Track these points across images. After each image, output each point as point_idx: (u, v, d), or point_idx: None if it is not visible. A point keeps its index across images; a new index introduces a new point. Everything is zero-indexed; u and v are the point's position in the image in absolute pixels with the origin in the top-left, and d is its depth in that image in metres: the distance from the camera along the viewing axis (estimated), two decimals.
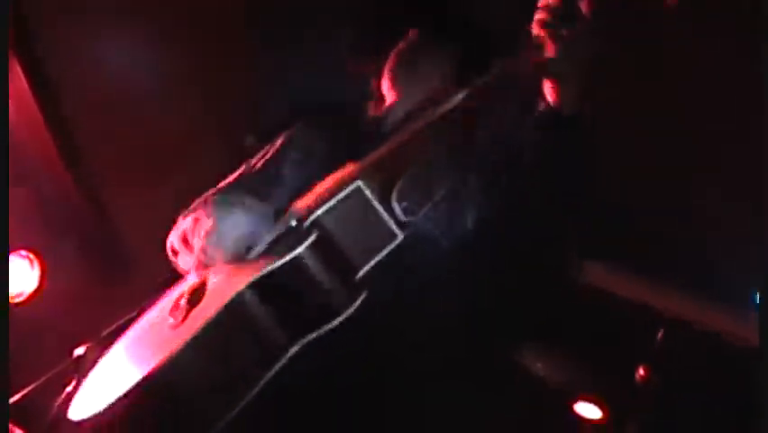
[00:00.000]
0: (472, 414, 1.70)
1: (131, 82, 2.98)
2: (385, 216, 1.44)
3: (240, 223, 1.52)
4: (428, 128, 1.49)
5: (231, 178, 1.83)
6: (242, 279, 1.40)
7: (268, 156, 1.83)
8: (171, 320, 1.51)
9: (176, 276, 1.74)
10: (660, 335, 2.49)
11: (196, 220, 1.62)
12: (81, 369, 1.69)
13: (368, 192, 1.44)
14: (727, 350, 2.65)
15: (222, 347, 1.37)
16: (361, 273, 1.43)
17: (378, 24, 1.93)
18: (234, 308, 1.36)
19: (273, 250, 1.48)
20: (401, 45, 1.82)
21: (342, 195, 1.44)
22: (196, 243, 1.55)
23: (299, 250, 1.36)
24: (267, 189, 1.71)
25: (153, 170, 3.08)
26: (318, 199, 1.49)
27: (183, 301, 1.53)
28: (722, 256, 2.69)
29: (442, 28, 1.82)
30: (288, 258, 1.36)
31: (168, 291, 1.74)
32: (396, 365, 1.58)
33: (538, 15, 1.49)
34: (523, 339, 1.68)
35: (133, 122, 2.99)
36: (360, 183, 1.44)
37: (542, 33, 1.47)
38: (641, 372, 2.49)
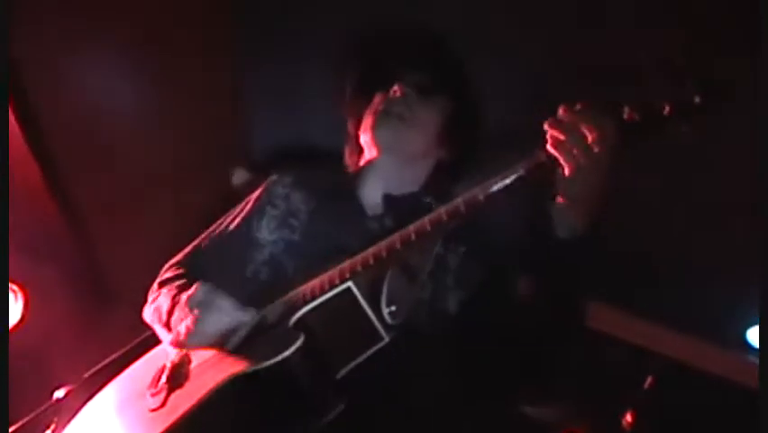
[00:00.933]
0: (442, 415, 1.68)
1: (115, 112, 2.95)
2: (373, 318, 1.43)
3: (221, 322, 1.49)
4: (421, 236, 1.44)
5: (206, 238, 1.82)
6: (225, 371, 1.39)
7: (245, 211, 1.82)
8: (151, 401, 1.49)
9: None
10: (649, 380, 2.46)
11: (175, 303, 1.60)
12: (60, 413, 1.64)
13: (358, 294, 1.42)
14: (720, 393, 2.63)
15: None
16: (342, 372, 1.43)
17: (365, 70, 1.89)
18: (215, 400, 1.36)
19: (256, 342, 1.47)
20: (388, 96, 1.76)
21: (331, 294, 1.43)
22: (176, 330, 1.53)
23: (287, 353, 1.34)
24: (243, 257, 1.71)
25: (138, 200, 3.04)
26: (304, 294, 1.48)
27: (164, 379, 1.51)
28: (714, 296, 2.68)
29: (430, 81, 1.75)
30: (275, 360, 1.34)
31: (150, 353, 1.72)
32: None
33: (551, 131, 1.36)
34: (515, 387, 1.65)
35: (118, 152, 2.96)
36: (350, 284, 1.43)
37: (556, 152, 1.35)
38: (628, 418, 2.46)
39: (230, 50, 3.32)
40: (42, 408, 1.74)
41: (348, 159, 1.89)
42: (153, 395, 1.51)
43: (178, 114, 3.19)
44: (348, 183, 1.80)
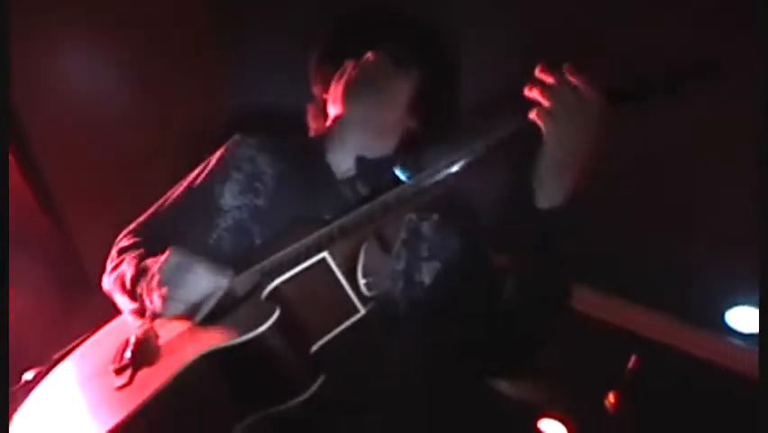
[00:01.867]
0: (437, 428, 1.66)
1: (93, 101, 2.92)
2: (349, 290, 1.40)
3: (198, 286, 1.43)
4: (403, 204, 1.40)
5: (164, 203, 1.76)
6: (197, 346, 1.35)
7: (205, 174, 1.75)
8: (116, 378, 1.43)
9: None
10: (632, 361, 2.45)
11: (140, 271, 1.53)
12: (30, 394, 1.61)
13: (333, 265, 1.40)
14: (700, 374, 2.64)
15: (171, 418, 1.33)
16: (317, 345, 1.39)
17: (338, 34, 1.83)
18: (188, 376, 1.32)
19: (228, 314, 1.43)
20: (359, 62, 1.69)
21: (306, 264, 1.40)
22: (148, 299, 1.47)
23: (263, 328, 1.31)
24: (205, 222, 1.65)
25: (115, 190, 3.01)
26: (279, 264, 1.43)
27: (128, 354, 1.46)
28: (695, 279, 2.67)
29: (405, 51, 1.69)
30: (251, 335, 1.30)
31: (108, 325, 1.67)
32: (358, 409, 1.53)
33: (532, 93, 1.32)
34: (489, 364, 1.61)
35: (96, 141, 2.93)
36: (326, 255, 1.39)
37: (537, 116, 1.31)
38: (611, 398, 2.46)
39: (215, 33, 3.30)
40: (11, 390, 1.71)
41: (312, 122, 1.84)
42: (118, 372, 1.44)
43: (159, 100, 3.16)
44: (315, 146, 1.72)
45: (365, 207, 1.42)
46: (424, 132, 1.71)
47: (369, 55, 1.67)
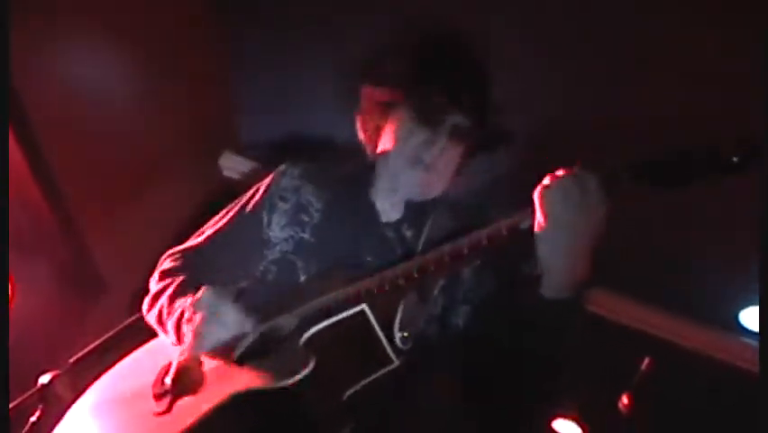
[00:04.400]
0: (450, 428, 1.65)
1: (102, 102, 2.91)
2: (385, 343, 1.37)
3: (224, 329, 1.43)
4: (440, 264, 1.39)
5: (212, 229, 1.73)
6: (234, 384, 1.36)
7: (253, 203, 1.70)
8: (155, 403, 1.44)
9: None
10: (645, 363, 2.44)
11: (175, 305, 1.52)
12: (46, 399, 1.61)
13: (371, 317, 1.38)
14: (714, 374, 2.64)
15: None
16: (349, 393, 1.38)
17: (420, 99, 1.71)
18: (222, 415, 1.32)
19: (268, 356, 1.42)
20: (421, 139, 1.57)
21: (344, 315, 1.38)
22: (184, 334, 1.47)
23: (297, 378, 1.30)
24: (253, 254, 1.62)
25: (125, 189, 3.01)
26: (318, 310, 1.42)
27: (168, 380, 1.45)
28: (707, 279, 2.67)
29: (469, 127, 1.57)
30: (284, 383, 1.30)
31: (152, 342, 1.66)
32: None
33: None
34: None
35: (105, 141, 2.92)
36: (364, 307, 1.37)
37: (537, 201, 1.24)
38: (624, 400, 2.45)
39: (220, 38, 3.29)
40: (28, 393, 1.71)
41: (361, 133, 1.75)
42: (157, 397, 1.44)
43: (166, 102, 3.16)
44: (360, 179, 1.68)
45: (404, 265, 1.39)
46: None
47: (432, 137, 1.55)
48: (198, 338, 1.42)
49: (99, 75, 2.93)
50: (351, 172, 1.73)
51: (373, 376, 1.39)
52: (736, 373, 2.63)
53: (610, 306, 2.78)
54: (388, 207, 1.64)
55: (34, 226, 2.81)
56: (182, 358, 1.48)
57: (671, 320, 2.78)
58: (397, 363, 1.37)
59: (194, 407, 1.37)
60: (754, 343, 2.71)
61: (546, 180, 1.23)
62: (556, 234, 1.23)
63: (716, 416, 2.57)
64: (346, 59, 3.00)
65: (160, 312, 1.56)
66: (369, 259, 1.51)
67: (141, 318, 1.66)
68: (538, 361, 1.43)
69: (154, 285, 1.64)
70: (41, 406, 1.65)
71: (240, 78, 3.35)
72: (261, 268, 1.62)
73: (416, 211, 1.61)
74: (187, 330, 1.44)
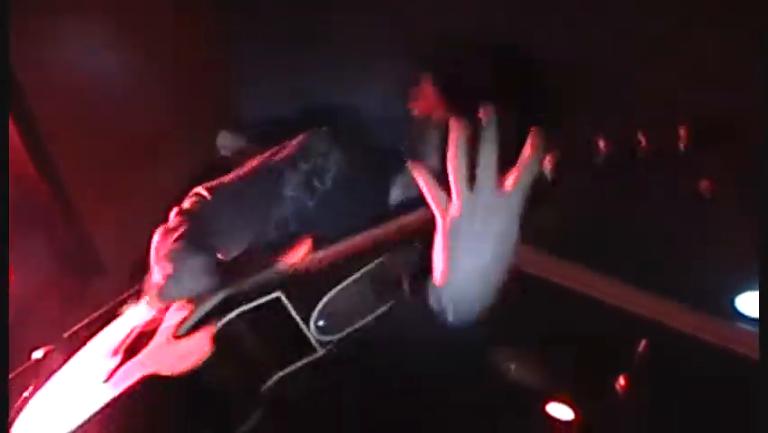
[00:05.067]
0: (444, 412, 1.64)
1: (99, 80, 2.91)
2: (304, 330, 1.34)
3: (185, 283, 1.40)
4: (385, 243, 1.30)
5: (242, 173, 1.69)
6: (156, 362, 1.36)
7: (279, 157, 1.67)
8: (108, 366, 1.43)
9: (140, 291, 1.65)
10: (642, 345, 2.44)
11: (162, 243, 1.52)
12: (40, 374, 1.61)
13: (288, 304, 1.34)
14: (711, 359, 2.63)
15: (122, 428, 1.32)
16: (269, 382, 1.34)
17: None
18: (134, 397, 1.31)
19: (192, 336, 1.39)
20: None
21: (261, 300, 1.34)
22: (155, 275, 1.45)
23: (199, 363, 1.29)
24: (266, 207, 1.59)
25: (123, 169, 3.01)
26: (244, 291, 1.38)
27: (124, 345, 1.46)
28: (704, 263, 2.67)
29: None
30: (187, 368, 1.29)
31: (130, 309, 1.66)
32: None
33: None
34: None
35: (103, 119, 2.93)
36: (280, 294, 1.34)
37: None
38: (621, 381, 2.45)
39: (218, 17, 3.29)
40: (20, 368, 1.71)
41: (414, 105, 1.71)
42: (111, 363, 1.44)
43: (164, 81, 3.15)
44: (387, 160, 1.63)
45: (344, 243, 1.34)
46: None
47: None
48: (165, 285, 1.40)
49: (97, 56, 2.93)
50: (379, 152, 1.70)
51: (295, 366, 1.35)
52: (731, 358, 2.63)
53: (604, 289, 2.78)
54: (401, 187, 1.61)
55: (32, 207, 2.81)
56: (144, 323, 1.48)
57: (666, 304, 2.78)
58: (321, 352, 1.33)
59: (121, 379, 1.37)
60: (750, 328, 2.71)
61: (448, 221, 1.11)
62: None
63: (711, 399, 2.57)
64: (346, 42, 3.02)
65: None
66: None
67: (137, 294, 1.66)
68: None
69: (171, 219, 1.63)
70: (34, 381, 1.65)
71: (238, 56, 3.35)
72: (273, 225, 1.60)
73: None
74: (156, 273, 1.43)
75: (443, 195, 1.11)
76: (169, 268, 1.41)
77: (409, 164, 1.16)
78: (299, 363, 1.35)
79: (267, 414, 1.34)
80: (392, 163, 1.64)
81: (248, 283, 1.39)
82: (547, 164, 1.08)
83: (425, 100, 1.65)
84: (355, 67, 3.02)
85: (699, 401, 2.59)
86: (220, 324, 1.34)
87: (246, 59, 3.34)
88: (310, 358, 1.35)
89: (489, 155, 1.06)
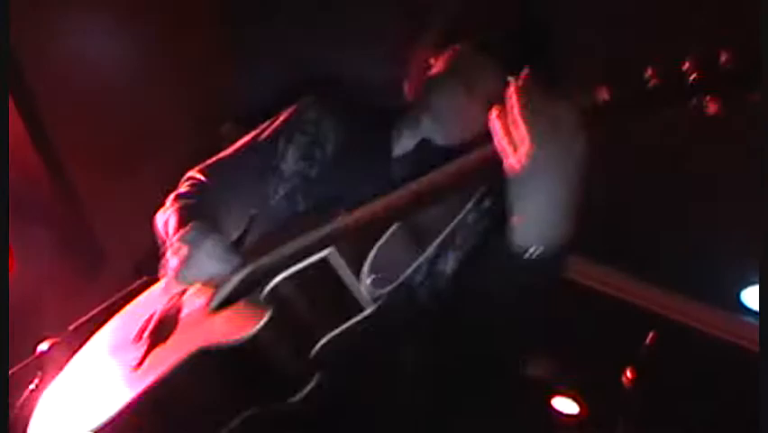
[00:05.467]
0: (450, 406, 1.63)
1: (103, 71, 2.90)
2: (354, 288, 1.32)
3: (205, 267, 1.38)
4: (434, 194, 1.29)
5: (232, 152, 1.64)
6: (198, 338, 1.33)
7: (271, 130, 1.63)
8: (132, 357, 1.41)
9: (146, 282, 1.64)
10: (649, 337, 2.43)
11: (175, 228, 1.50)
12: (45, 366, 1.60)
13: (337, 262, 1.31)
14: (715, 352, 2.63)
15: (170, 407, 1.33)
16: (320, 344, 1.32)
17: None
18: (183, 371, 1.29)
19: (234, 307, 1.37)
20: (445, 53, 1.54)
21: (308, 262, 1.31)
22: (169, 262, 1.43)
23: (251, 332, 1.25)
24: (265, 183, 1.57)
25: (126, 159, 3.00)
26: (280, 256, 1.36)
27: (147, 332, 1.43)
28: (710, 257, 2.66)
29: (494, 43, 1.50)
30: (240, 339, 1.26)
31: (139, 297, 1.65)
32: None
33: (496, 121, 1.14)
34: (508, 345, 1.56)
35: (106, 110, 2.91)
36: (329, 252, 1.31)
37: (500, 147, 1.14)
38: (628, 374, 2.44)
39: (223, 9, 3.27)
40: (26, 360, 1.70)
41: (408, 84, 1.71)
42: (136, 350, 1.43)
43: (168, 71, 3.14)
44: (383, 119, 1.60)
45: (391, 195, 1.32)
46: None
47: (454, 48, 1.52)
48: (179, 272, 1.38)
49: (101, 45, 2.91)
50: (376, 110, 1.67)
51: (344, 326, 1.35)
52: (737, 351, 2.63)
53: (611, 282, 2.77)
54: (405, 141, 1.57)
55: (34, 196, 2.80)
56: (166, 304, 1.46)
57: (673, 298, 2.78)
58: (369, 309, 1.31)
59: (159, 362, 1.35)
60: (756, 321, 2.71)
61: (527, 102, 1.11)
62: (541, 171, 1.12)
63: (715, 391, 2.57)
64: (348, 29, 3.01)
65: (166, 230, 1.52)
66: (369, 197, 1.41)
67: (142, 285, 1.65)
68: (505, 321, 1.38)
69: (168, 203, 1.60)
70: (39, 373, 1.64)
71: (242, 49, 3.33)
72: (273, 203, 1.58)
73: (430, 152, 1.52)
74: (172, 260, 1.40)
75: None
76: (184, 250, 1.39)
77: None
78: (350, 323, 1.33)
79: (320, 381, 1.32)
80: (388, 118, 1.61)
81: (285, 249, 1.37)
82: (604, 94, 1.10)
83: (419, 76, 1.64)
84: (357, 46, 2.99)
85: (702, 395, 2.59)
86: (266, 289, 1.31)
87: (251, 49, 3.32)
88: (360, 317, 1.33)
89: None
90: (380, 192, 1.36)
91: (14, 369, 1.70)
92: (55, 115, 2.78)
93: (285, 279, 1.31)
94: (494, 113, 1.14)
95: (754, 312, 2.71)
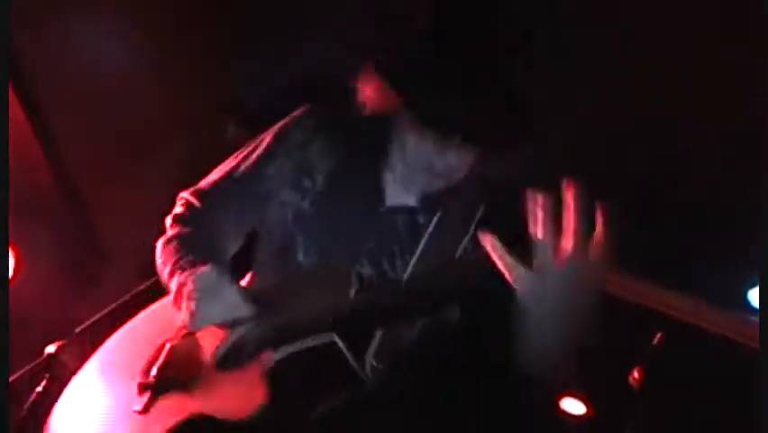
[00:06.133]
0: (457, 406, 1.62)
1: (107, 71, 2.89)
2: (356, 369, 1.35)
3: (217, 314, 1.37)
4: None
5: (212, 180, 1.59)
6: (200, 400, 1.35)
7: (254, 157, 1.56)
8: (137, 399, 1.39)
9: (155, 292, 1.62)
10: (657, 338, 2.42)
11: (179, 270, 1.45)
12: (52, 368, 1.60)
13: (343, 347, 1.34)
14: (722, 353, 2.62)
15: None
16: (314, 413, 1.35)
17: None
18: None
19: (236, 372, 1.38)
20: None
21: (313, 342, 1.34)
22: (183, 304, 1.41)
23: (248, 414, 1.28)
24: (257, 211, 1.57)
25: (130, 160, 2.99)
26: (291, 326, 1.37)
27: (155, 370, 1.40)
28: (715, 256, 2.65)
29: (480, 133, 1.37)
30: (235, 416, 1.29)
31: (157, 304, 1.62)
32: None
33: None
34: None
35: (111, 110, 2.91)
36: (336, 338, 1.33)
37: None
38: (635, 374, 2.43)
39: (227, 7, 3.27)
40: (33, 363, 1.70)
41: (367, 96, 1.67)
42: (140, 389, 1.39)
43: (171, 70, 3.13)
44: (374, 144, 1.52)
45: (405, 293, 1.39)
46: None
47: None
48: (194, 317, 1.37)
49: (104, 41, 2.91)
50: (365, 132, 1.58)
51: (341, 397, 1.35)
52: (744, 352, 2.62)
53: (617, 284, 2.76)
54: (400, 191, 1.51)
55: (38, 195, 2.80)
56: (174, 340, 1.45)
57: (679, 298, 2.76)
58: (367, 381, 1.36)
59: (158, 420, 1.35)
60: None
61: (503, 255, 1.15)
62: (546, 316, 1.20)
63: (724, 395, 2.56)
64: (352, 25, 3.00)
65: (164, 267, 1.50)
66: (371, 245, 1.45)
67: (149, 287, 1.64)
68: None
69: (168, 229, 1.58)
70: (46, 375, 1.64)
71: (246, 48, 3.33)
72: (266, 228, 1.56)
73: (429, 197, 1.50)
74: (185, 303, 1.39)
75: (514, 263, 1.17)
76: (192, 305, 1.37)
77: (479, 235, 1.19)
78: (347, 396, 1.36)
79: None
80: (377, 145, 1.54)
81: (292, 317, 1.38)
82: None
83: (371, 88, 1.62)
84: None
85: (708, 396, 2.59)
86: (269, 363, 1.34)
87: (255, 48, 3.32)
88: (358, 391, 1.36)
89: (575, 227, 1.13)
90: (386, 242, 1.43)
91: (22, 370, 1.71)
92: (58, 116, 2.78)
93: (292, 354, 1.34)
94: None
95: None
